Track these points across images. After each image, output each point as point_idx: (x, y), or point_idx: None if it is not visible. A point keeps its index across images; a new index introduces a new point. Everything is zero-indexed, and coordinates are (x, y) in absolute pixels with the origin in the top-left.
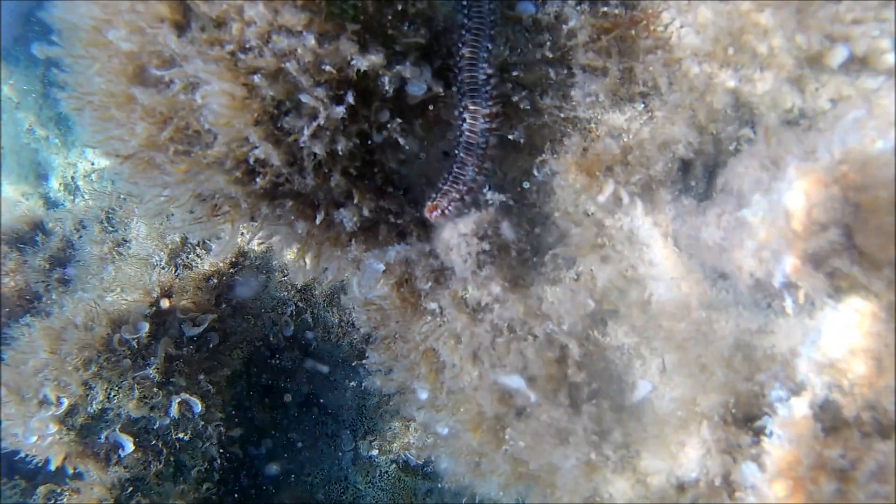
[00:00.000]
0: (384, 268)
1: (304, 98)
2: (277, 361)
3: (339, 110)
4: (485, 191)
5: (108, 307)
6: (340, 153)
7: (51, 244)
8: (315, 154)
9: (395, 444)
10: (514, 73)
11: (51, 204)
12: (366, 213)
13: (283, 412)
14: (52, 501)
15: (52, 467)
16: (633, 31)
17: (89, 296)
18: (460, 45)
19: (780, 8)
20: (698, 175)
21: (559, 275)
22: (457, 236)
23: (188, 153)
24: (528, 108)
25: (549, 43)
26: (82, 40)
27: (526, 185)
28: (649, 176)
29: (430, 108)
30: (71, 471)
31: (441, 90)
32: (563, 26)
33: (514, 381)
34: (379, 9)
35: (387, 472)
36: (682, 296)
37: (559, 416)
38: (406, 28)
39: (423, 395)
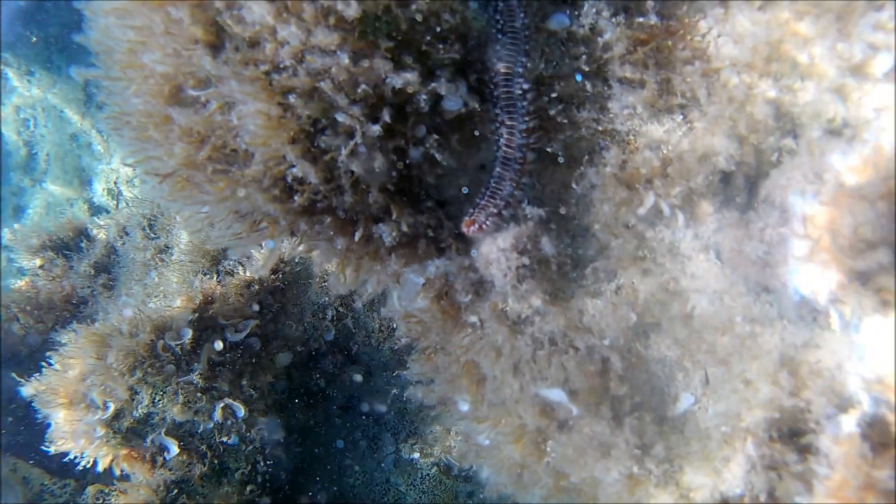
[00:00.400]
0: (424, 281)
1: (340, 117)
2: (319, 365)
3: (376, 129)
4: (523, 205)
5: (152, 314)
6: (377, 170)
7: (95, 250)
8: (352, 172)
9: (436, 448)
10: (550, 87)
11: (95, 209)
12: (404, 228)
13: (325, 415)
14: (101, 501)
15: (100, 469)
16: (669, 42)
17: (133, 301)
18: (495, 61)
19: (819, 17)
20: (740, 186)
21: (600, 287)
22: (496, 251)
23: (226, 172)
24: (566, 121)
25: (584, 56)
26: (118, 62)
27: (562, 210)
28: (690, 188)
29: (467, 122)
30: (118, 472)
31: (477, 105)
32: (599, 39)
33: (556, 395)
34: (412, 26)
35: (428, 474)
36: (725, 309)
37: (601, 430)
38: (440, 44)
39: (465, 407)
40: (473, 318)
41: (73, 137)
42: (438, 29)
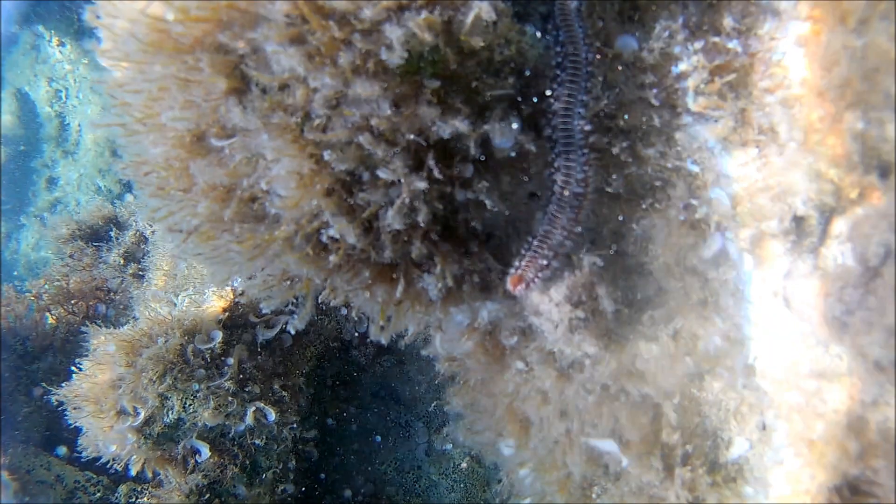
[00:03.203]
0: (468, 321)
1: (381, 174)
2: (351, 356)
3: (421, 185)
4: (579, 251)
5: (182, 315)
6: (421, 223)
7: (125, 239)
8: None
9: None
10: (613, 118)
11: (125, 182)
12: (450, 282)
13: (357, 405)
14: (133, 499)
15: (133, 472)
16: (747, 63)
17: (163, 294)
18: (552, 101)
19: None
20: (813, 223)
21: (656, 331)
22: (547, 302)
23: (255, 231)
24: (630, 159)
25: (652, 84)
26: (134, 115)
27: (619, 248)
28: (761, 231)
29: (520, 160)
30: (150, 475)
31: (532, 147)
32: (673, 68)
33: (606, 445)
34: (461, 61)
35: (460, 464)
36: (791, 363)
37: (651, 480)
38: (492, 79)
39: (508, 451)
40: (520, 365)
41: (104, 108)
42: (490, 60)
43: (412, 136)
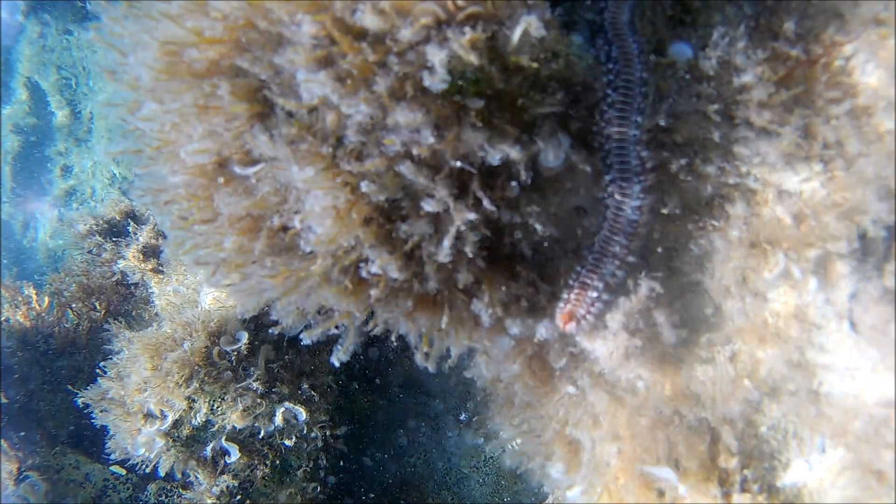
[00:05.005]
0: (514, 343)
1: (426, 206)
2: (378, 350)
3: (471, 217)
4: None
5: (206, 317)
6: (469, 253)
7: (143, 234)
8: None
9: (500, 433)
10: (669, 133)
11: None
12: (499, 311)
13: (386, 398)
14: (164, 498)
15: (162, 473)
16: (811, 71)
17: (183, 289)
18: (604, 124)
19: None
20: (879, 243)
21: (713, 354)
22: (602, 329)
23: (289, 263)
24: (688, 177)
25: (711, 96)
26: (150, 144)
27: (674, 265)
28: (827, 251)
29: (567, 176)
30: (180, 476)
31: (584, 164)
32: (734, 79)
33: (663, 473)
34: (506, 79)
35: (492, 457)
36: (858, 389)
37: None
38: (539, 95)
39: (557, 475)
40: (570, 388)
41: (115, 94)
42: (537, 75)
43: (457, 164)
